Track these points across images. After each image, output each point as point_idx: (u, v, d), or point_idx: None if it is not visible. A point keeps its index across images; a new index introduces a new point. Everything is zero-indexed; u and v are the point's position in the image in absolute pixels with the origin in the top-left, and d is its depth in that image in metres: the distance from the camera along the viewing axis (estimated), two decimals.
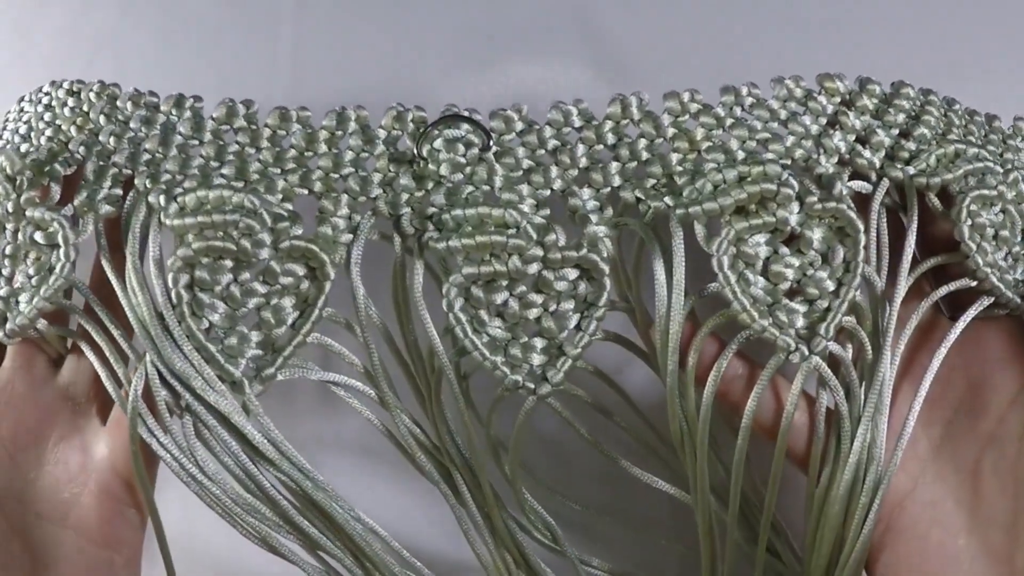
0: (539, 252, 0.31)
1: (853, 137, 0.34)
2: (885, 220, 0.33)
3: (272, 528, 0.33)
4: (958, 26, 0.41)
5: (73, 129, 0.34)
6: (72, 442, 0.33)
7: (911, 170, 0.33)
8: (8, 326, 0.33)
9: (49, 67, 0.45)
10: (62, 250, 0.32)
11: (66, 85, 0.36)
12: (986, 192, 0.33)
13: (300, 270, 0.32)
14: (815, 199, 0.31)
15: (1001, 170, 0.34)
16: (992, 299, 0.33)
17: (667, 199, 0.32)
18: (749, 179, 0.31)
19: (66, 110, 0.35)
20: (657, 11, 0.40)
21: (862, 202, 0.33)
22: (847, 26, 0.40)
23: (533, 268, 0.31)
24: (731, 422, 0.35)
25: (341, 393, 0.34)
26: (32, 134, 0.35)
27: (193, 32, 0.43)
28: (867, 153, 0.33)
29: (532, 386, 0.31)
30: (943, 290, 0.33)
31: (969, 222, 0.32)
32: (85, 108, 0.35)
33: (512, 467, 0.34)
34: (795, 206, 0.31)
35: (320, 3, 0.42)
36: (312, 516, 0.33)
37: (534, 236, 0.31)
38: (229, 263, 0.31)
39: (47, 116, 0.35)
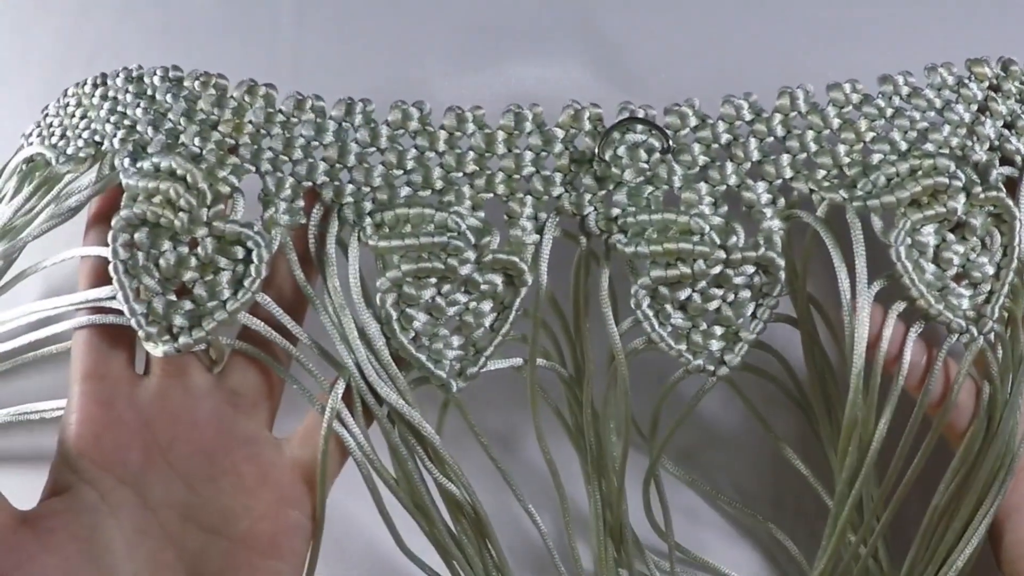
0: (723, 255, 0.32)
1: (1001, 123, 0.35)
2: None
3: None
4: (959, 21, 0.43)
5: (231, 132, 0.33)
6: (243, 454, 0.33)
7: None
8: (183, 340, 0.31)
9: (49, 67, 0.44)
10: (254, 266, 0.32)
11: (200, 75, 0.34)
12: None
13: (499, 279, 0.33)
14: (980, 189, 0.33)
15: None
16: None
17: (842, 192, 0.33)
18: (921, 172, 0.33)
19: (215, 110, 0.34)
20: (657, 12, 0.41)
21: (1009, 187, 0.35)
22: (849, 26, 0.41)
23: (716, 269, 0.33)
24: None
25: (525, 375, 0.34)
26: (174, 127, 0.34)
27: (193, 32, 0.42)
28: (1015, 140, 0.35)
29: (712, 368, 0.33)
30: None
31: None
32: (235, 105, 0.34)
33: (661, 446, 0.36)
34: (962, 196, 0.33)
35: (320, 3, 0.41)
36: (472, 535, 0.34)
37: (717, 241, 0.32)
38: (433, 279, 0.32)
39: (183, 107, 0.33)
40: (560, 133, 0.34)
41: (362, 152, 0.33)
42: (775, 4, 0.41)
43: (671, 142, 0.33)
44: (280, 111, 0.34)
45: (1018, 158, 0.35)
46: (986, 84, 0.36)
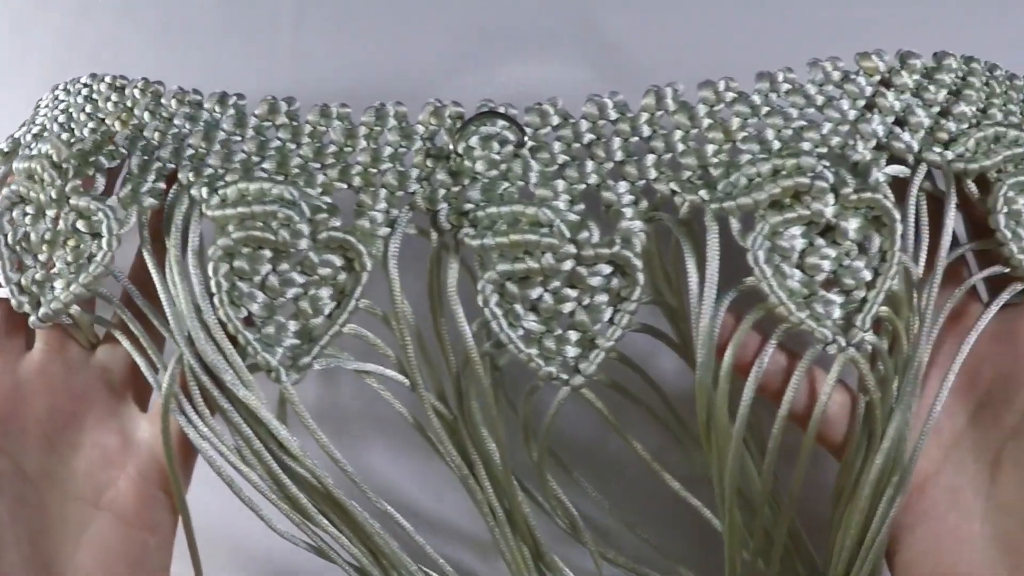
0: (573, 250, 0.31)
1: (892, 119, 0.33)
2: (925, 205, 0.33)
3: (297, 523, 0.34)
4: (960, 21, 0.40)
5: (117, 124, 0.35)
6: (109, 426, 0.34)
7: (949, 155, 0.33)
8: (42, 310, 0.33)
9: (49, 67, 0.45)
10: (104, 239, 0.33)
11: (108, 79, 0.36)
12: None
13: (338, 261, 0.32)
14: (850, 190, 0.31)
15: None
16: None
17: (702, 192, 0.32)
18: (783, 172, 0.31)
19: (109, 104, 0.36)
20: (657, 11, 0.40)
21: (901, 186, 0.33)
22: (849, 26, 0.39)
23: (567, 265, 0.32)
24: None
25: (374, 385, 0.34)
26: (73, 125, 0.36)
27: (193, 32, 0.43)
28: (905, 136, 0.33)
29: (566, 377, 0.32)
30: (976, 277, 0.33)
31: (1005, 209, 0.32)
32: (129, 104, 0.35)
33: (540, 454, 0.35)
34: (830, 198, 0.31)
35: (320, 3, 0.41)
36: (332, 514, 0.34)
37: (567, 234, 0.31)
38: (268, 253, 0.32)
39: (88, 108, 0.36)
40: (420, 129, 0.34)
41: (227, 139, 0.34)
42: (775, 4, 0.40)
43: (526, 136, 0.33)
44: (163, 104, 0.35)
45: (909, 156, 0.33)
46: (876, 79, 0.34)
